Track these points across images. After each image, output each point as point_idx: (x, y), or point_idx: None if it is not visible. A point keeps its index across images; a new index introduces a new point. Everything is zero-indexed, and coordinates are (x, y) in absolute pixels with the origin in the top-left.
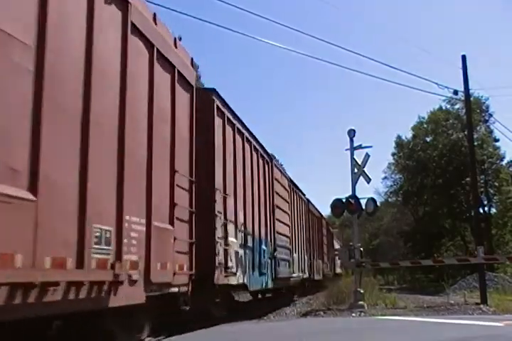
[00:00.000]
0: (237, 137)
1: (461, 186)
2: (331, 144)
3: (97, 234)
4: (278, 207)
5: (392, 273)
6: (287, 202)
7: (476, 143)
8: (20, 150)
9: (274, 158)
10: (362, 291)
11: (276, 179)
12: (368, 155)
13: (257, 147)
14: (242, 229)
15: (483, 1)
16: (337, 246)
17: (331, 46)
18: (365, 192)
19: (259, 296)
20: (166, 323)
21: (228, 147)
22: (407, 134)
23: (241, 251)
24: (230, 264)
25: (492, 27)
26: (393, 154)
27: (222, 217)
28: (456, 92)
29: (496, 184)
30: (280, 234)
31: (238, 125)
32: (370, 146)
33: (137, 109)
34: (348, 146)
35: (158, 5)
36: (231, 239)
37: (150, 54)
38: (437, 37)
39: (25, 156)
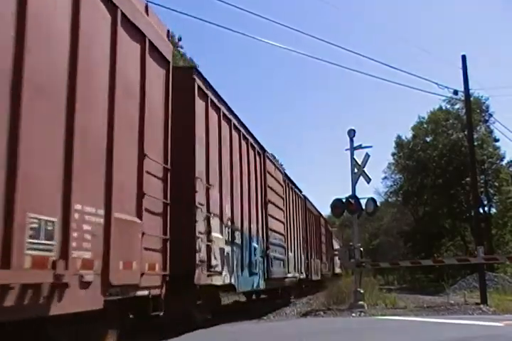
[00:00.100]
0: (224, 123)
1: (461, 186)
2: (331, 144)
3: (34, 225)
4: (271, 202)
5: (392, 273)
6: (282, 198)
7: (476, 143)
8: None
9: (266, 151)
10: (362, 291)
11: (269, 172)
12: (367, 155)
13: (247, 136)
14: (229, 224)
15: (483, 1)
16: (336, 245)
17: (331, 46)
18: (365, 192)
19: (254, 297)
20: (139, 330)
21: (212, 133)
22: (407, 134)
23: (227, 249)
24: (213, 262)
25: (492, 27)
26: (393, 154)
27: (205, 210)
28: (456, 92)
29: (496, 184)
30: (274, 231)
31: (224, 110)
32: (370, 146)
33: (94, 78)
34: (348, 146)
35: (158, 5)
36: (215, 234)
37: (112, 16)
38: (437, 37)
39: None
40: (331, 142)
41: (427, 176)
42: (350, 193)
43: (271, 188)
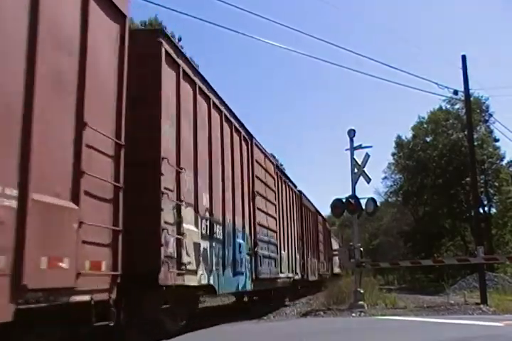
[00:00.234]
0: (200, 100)
1: (461, 186)
2: (331, 144)
3: None
4: (260, 194)
5: (392, 273)
6: (273, 191)
7: (476, 143)
8: None
9: (255, 138)
10: (362, 291)
11: (257, 161)
12: (367, 155)
13: (231, 118)
14: (207, 215)
15: (483, 1)
16: (335, 244)
17: (331, 46)
18: (365, 192)
19: (245, 299)
20: None
21: (185, 109)
22: (407, 134)
23: (205, 244)
24: (185, 259)
25: (492, 27)
26: (393, 154)
27: (174, 197)
28: (456, 92)
29: (496, 184)
30: (263, 226)
31: (200, 84)
32: (370, 146)
33: (6, 22)
34: (348, 146)
35: (158, 5)
36: (188, 226)
37: None
38: (437, 37)
39: None
40: (331, 142)
41: (427, 176)
42: (350, 193)
43: (259, 179)
